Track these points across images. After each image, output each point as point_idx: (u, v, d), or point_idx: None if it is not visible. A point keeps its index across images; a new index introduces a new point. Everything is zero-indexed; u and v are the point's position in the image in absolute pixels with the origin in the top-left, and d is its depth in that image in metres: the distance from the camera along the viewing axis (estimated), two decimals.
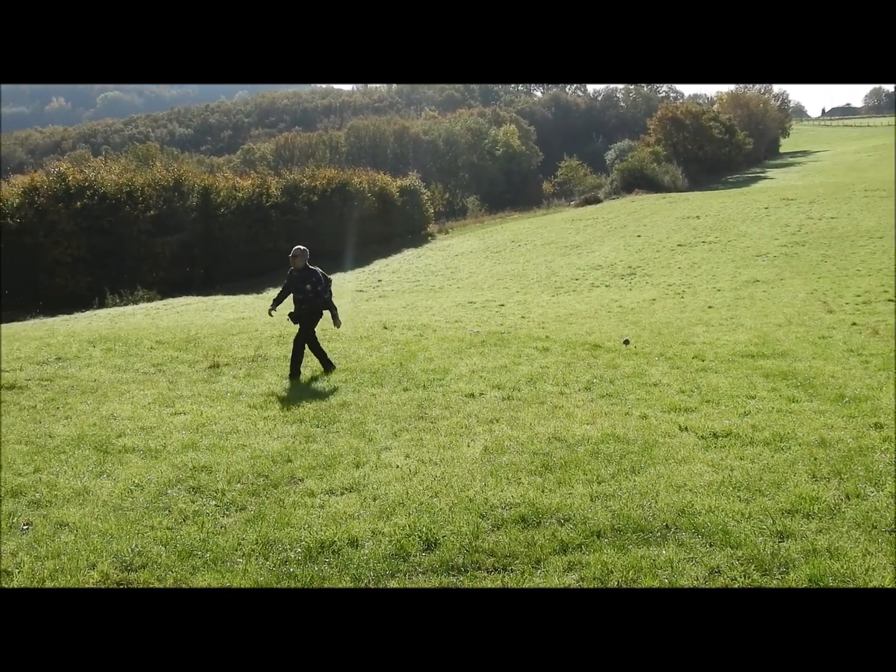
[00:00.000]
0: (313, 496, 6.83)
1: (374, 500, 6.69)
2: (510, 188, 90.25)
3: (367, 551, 5.71)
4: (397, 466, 7.49)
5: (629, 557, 5.43)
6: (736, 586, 5.04)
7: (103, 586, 5.25)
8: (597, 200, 64.73)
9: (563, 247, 40.04)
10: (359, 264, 42.99)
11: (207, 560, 5.61)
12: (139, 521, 6.33)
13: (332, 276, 12.45)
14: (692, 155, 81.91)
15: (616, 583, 5.13)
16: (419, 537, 5.89)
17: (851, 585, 4.96)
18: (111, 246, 37.71)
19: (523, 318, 20.06)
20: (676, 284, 26.84)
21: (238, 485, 7.12)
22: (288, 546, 5.82)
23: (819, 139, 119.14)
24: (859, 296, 19.99)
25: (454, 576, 5.33)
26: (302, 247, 11.83)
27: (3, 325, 23.30)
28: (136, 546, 5.83)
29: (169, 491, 7.00)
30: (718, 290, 24.40)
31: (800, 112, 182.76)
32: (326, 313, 12.11)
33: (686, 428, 8.42)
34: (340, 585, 5.21)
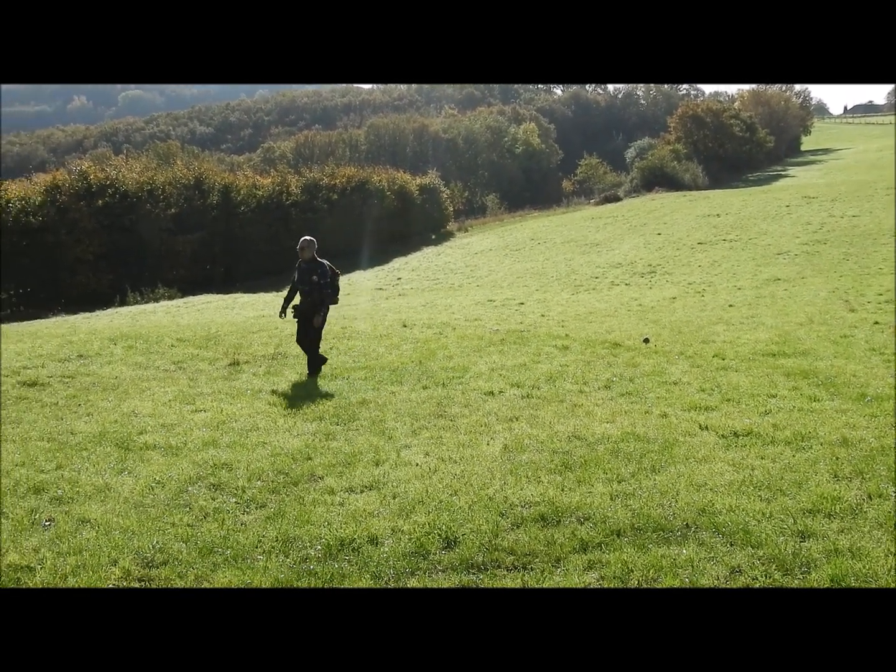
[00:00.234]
0: (333, 494, 6.84)
1: (394, 497, 6.70)
2: (530, 186, 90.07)
3: (386, 549, 5.72)
4: (417, 464, 7.50)
5: (649, 556, 5.42)
6: (757, 586, 5.02)
7: (125, 582, 5.28)
8: (617, 198, 64.49)
9: (583, 245, 39.93)
10: (378, 262, 43.01)
11: (228, 557, 5.64)
12: (160, 518, 6.36)
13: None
14: (713, 153, 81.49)
15: (636, 582, 5.11)
16: (439, 535, 5.89)
17: (874, 586, 4.93)
18: (132, 244, 37.86)
19: (543, 316, 20.03)
20: (697, 283, 26.72)
21: (258, 482, 7.15)
22: (308, 543, 5.83)
23: (841, 137, 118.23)
24: (881, 294, 19.84)
25: (474, 574, 5.32)
26: (309, 237, 11.75)
27: (26, 323, 23.48)
28: (157, 543, 5.85)
29: (190, 488, 7.03)
30: (739, 289, 24.27)
31: (821, 110, 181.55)
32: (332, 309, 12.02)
33: (706, 427, 8.39)
34: (360, 582, 5.22)
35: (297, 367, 11.83)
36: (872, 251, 28.47)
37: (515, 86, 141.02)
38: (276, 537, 5.95)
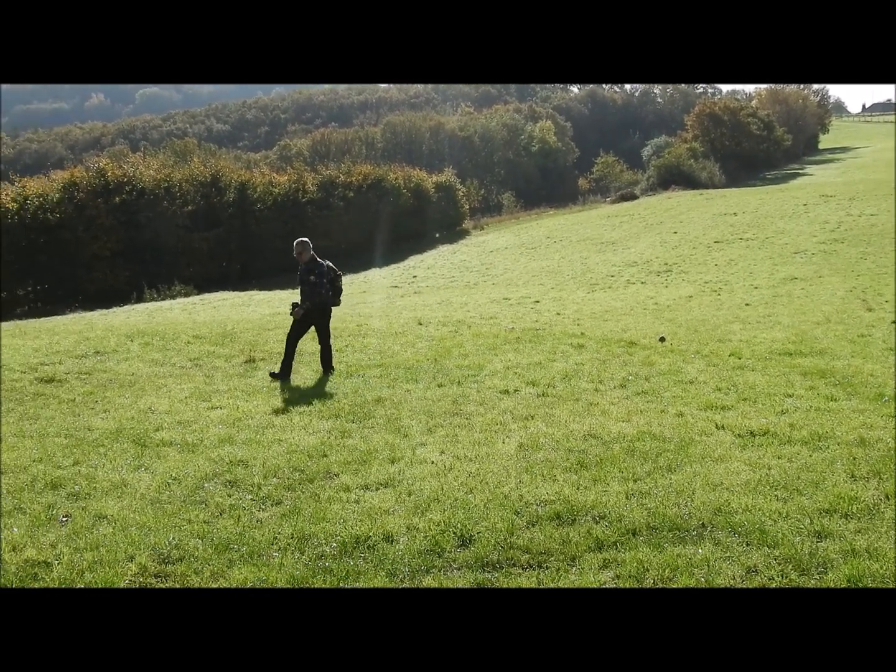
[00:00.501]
0: (349, 491, 6.85)
1: (409, 495, 6.70)
2: (546, 184, 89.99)
3: (402, 547, 5.72)
4: (432, 462, 7.50)
5: (665, 556, 5.41)
6: (773, 586, 5.00)
7: (141, 578, 5.30)
8: (633, 197, 64.36)
9: (599, 243, 39.86)
10: (394, 260, 43.06)
11: (244, 554, 5.65)
12: (176, 515, 6.39)
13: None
14: (730, 151, 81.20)
15: (652, 581, 5.10)
16: (454, 533, 5.89)
17: (891, 586, 4.90)
18: (149, 241, 38.04)
19: (558, 314, 19.99)
20: (713, 281, 26.63)
21: (274, 479, 7.16)
22: (324, 540, 5.84)
23: (859, 135, 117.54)
24: None
25: (489, 572, 5.32)
26: (302, 239, 11.59)
27: (43, 320, 23.61)
28: (173, 539, 5.88)
29: (206, 484, 7.05)
30: (755, 288, 24.17)
31: (840, 108, 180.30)
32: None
33: (723, 426, 8.36)
34: (376, 580, 5.22)
35: (312, 365, 11.84)
36: (890, 250, 28.30)
37: (532, 84, 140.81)
38: (292, 534, 5.96)
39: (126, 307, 29.11)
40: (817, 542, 5.57)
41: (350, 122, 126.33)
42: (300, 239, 11.57)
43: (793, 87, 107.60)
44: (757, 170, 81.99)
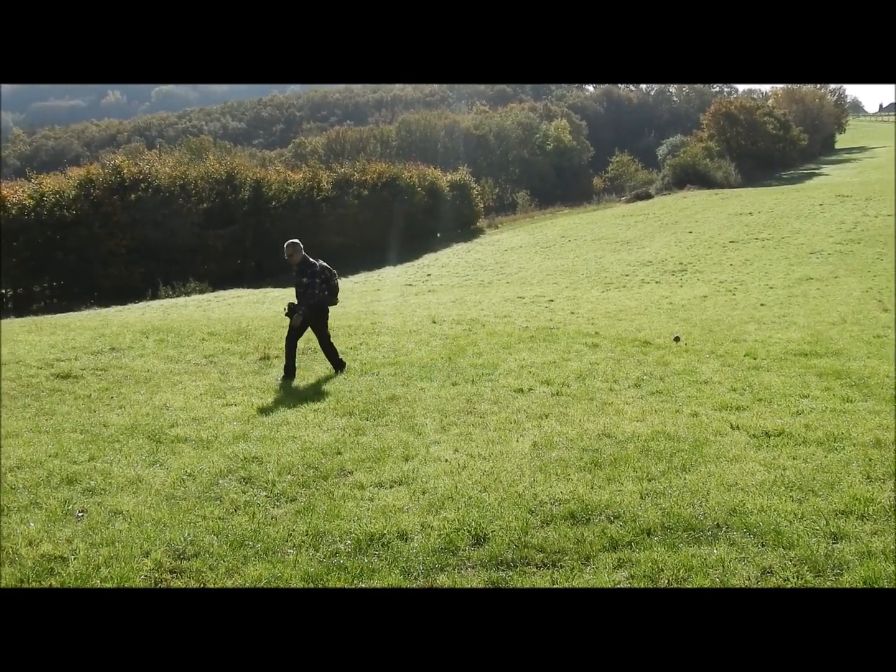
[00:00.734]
0: (363, 489, 6.86)
1: (424, 493, 6.70)
2: (560, 183, 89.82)
3: (416, 544, 5.73)
4: (446, 460, 7.50)
5: (680, 556, 5.39)
6: (788, 587, 4.98)
7: (157, 574, 5.32)
8: (648, 196, 64.22)
9: (614, 242, 39.79)
10: (408, 258, 43.06)
11: (258, 550, 5.67)
12: (191, 511, 6.41)
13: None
14: (745, 150, 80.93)
15: (666, 581, 5.09)
16: (468, 532, 5.89)
17: None
18: (164, 238, 38.11)
19: (572, 313, 19.97)
20: (728, 281, 26.55)
21: (288, 476, 7.18)
22: (338, 538, 5.85)
23: (876, 135, 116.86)
24: None
25: (503, 571, 5.32)
26: (292, 241, 11.39)
27: (60, 315, 23.72)
28: (188, 535, 5.90)
29: (220, 481, 7.07)
30: (771, 288, 24.09)
31: (856, 107, 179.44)
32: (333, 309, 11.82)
33: (737, 426, 8.33)
34: (390, 577, 5.23)
35: (327, 363, 11.86)
36: None
37: (547, 84, 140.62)
38: (306, 531, 5.97)
39: (141, 304, 29.21)
40: (833, 543, 5.55)
41: (365, 121, 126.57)
42: (290, 241, 11.40)
43: (809, 86, 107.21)
44: (773, 169, 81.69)
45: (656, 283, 28.31)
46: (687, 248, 35.10)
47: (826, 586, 4.97)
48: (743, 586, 5.00)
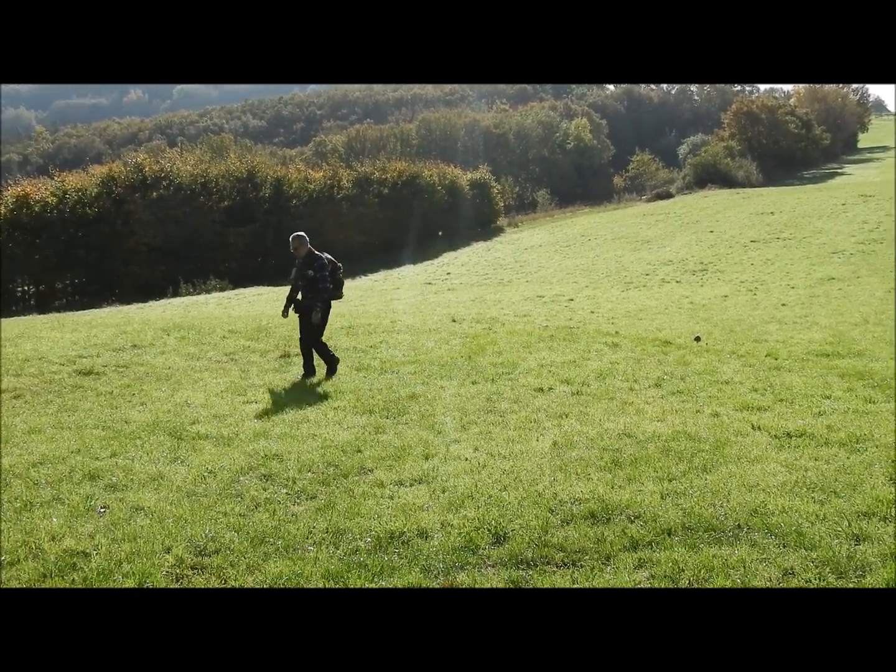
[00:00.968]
0: (383, 487, 6.87)
1: (444, 492, 6.70)
2: (581, 182, 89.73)
3: (436, 543, 5.73)
4: (466, 459, 7.50)
5: (701, 556, 5.37)
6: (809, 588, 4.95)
7: (178, 570, 5.35)
8: (668, 195, 64.05)
9: (634, 242, 39.68)
10: (427, 257, 43.12)
11: (279, 547, 5.68)
12: (212, 507, 6.43)
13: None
14: (767, 150, 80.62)
15: (687, 581, 5.07)
16: (488, 530, 5.89)
17: None
18: (185, 236, 38.35)
19: (592, 313, 19.93)
20: (749, 281, 26.43)
21: (309, 474, 7.19)
22: (358, 536, 5.86)
23: None
24: None
25: (523, 570, 5.31)
26: (298, 234, 11.32)
27: (81, 313, 23.87)
28: (209, 531, 5.92)
29: (241, 478, 7.10)
30: (792, 288, 23.97)
31: (879, 107, 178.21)
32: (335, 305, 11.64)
33: (759, 427, 8.29)
34: (410, 576, 5.23)
35: (346, 361, 11.88)
36: None
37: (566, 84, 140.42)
38: (327, 529, 5.98)
39: (162, 301, 29.37)
40: (855, 544, 5.51)
41: (385, 119, 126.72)
42: (296, 233, 11.32)
43: (832, 85, 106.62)
44: (795, 169, 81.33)
45: (677, 282, 28.21)
46: (708, 248, 34.97)
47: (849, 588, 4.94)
48: (765, 587, 4.97)
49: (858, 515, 5.97)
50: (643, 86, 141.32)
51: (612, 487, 6.67)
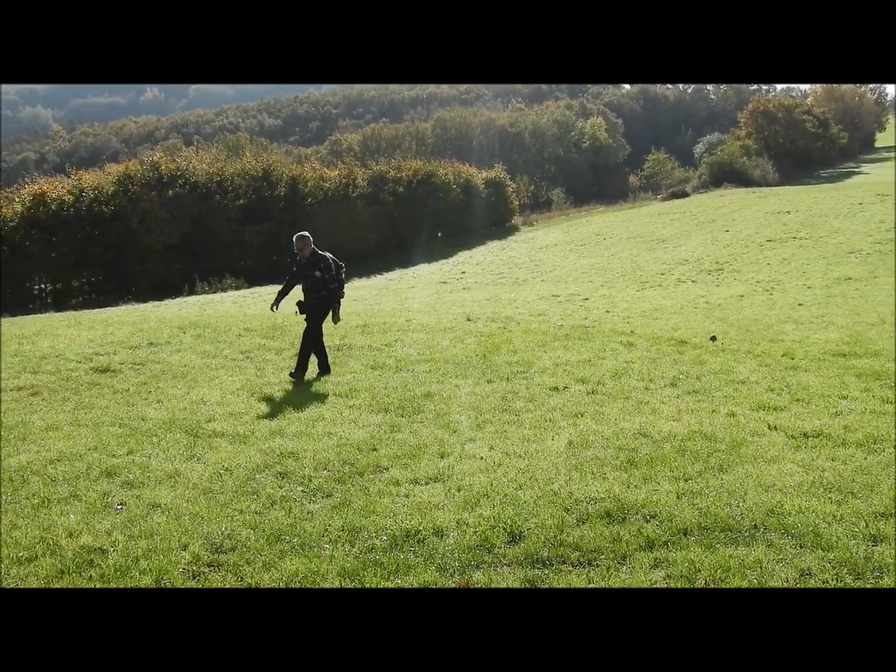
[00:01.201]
0: (398, 485, 6.87)
1: (459, 490, 6.70)
2: (596, 181, 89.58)
3: (451, 541, 5.73)
4: (482, 458, 7.50)
5: (717, 556, 5.35)
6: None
7: (195, 567, 5.37)
8: (684, 194, 63.84)
9: (650, 241, 39.58)
10: (443, 256, 43.10)
11: (295, 545, 5.70)
12: (228, 505, 6.45)
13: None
14: (784, 149, 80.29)
15: (703, 581, 5.05)
16: (504, 529, 5.89)
17: None
18: (201, 234, 38.50)
19: (608, 312, 19.90)
20: (765, 281, 26.33)
21: (324, 472, 7.21)
22: (374, 534, 5.87)
23: None
24: None
25: (539, 569, 5.31)
26: (302, 233, 11.28)
27: (98, 311, 23.98)
28: (225, 529, 5.94)
29: (257, 476, 7.11)
30: (809, 288, 23.87)
31: None
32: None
33: (775, 427, 8.26)
34: (425, 574, 5.24)
35: (362, 359, 11.90)
36: None
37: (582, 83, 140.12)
38: (342, 527, 5.99)
39: (178, 299, 29.47)
40: (872, 545, 5.48)
41: (401, 118, 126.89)
42: (300, 233, 11.30)
43: (849, 84, 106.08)
44: (811, 168, 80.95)
45: (692, 281, 28.13)
46: (724, 247, 34.86)
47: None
48: (782, 587, 4.96)
49: (876, 516, 5.94)
50: (659, 85, 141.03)
51: (628, 487, 6.66)
